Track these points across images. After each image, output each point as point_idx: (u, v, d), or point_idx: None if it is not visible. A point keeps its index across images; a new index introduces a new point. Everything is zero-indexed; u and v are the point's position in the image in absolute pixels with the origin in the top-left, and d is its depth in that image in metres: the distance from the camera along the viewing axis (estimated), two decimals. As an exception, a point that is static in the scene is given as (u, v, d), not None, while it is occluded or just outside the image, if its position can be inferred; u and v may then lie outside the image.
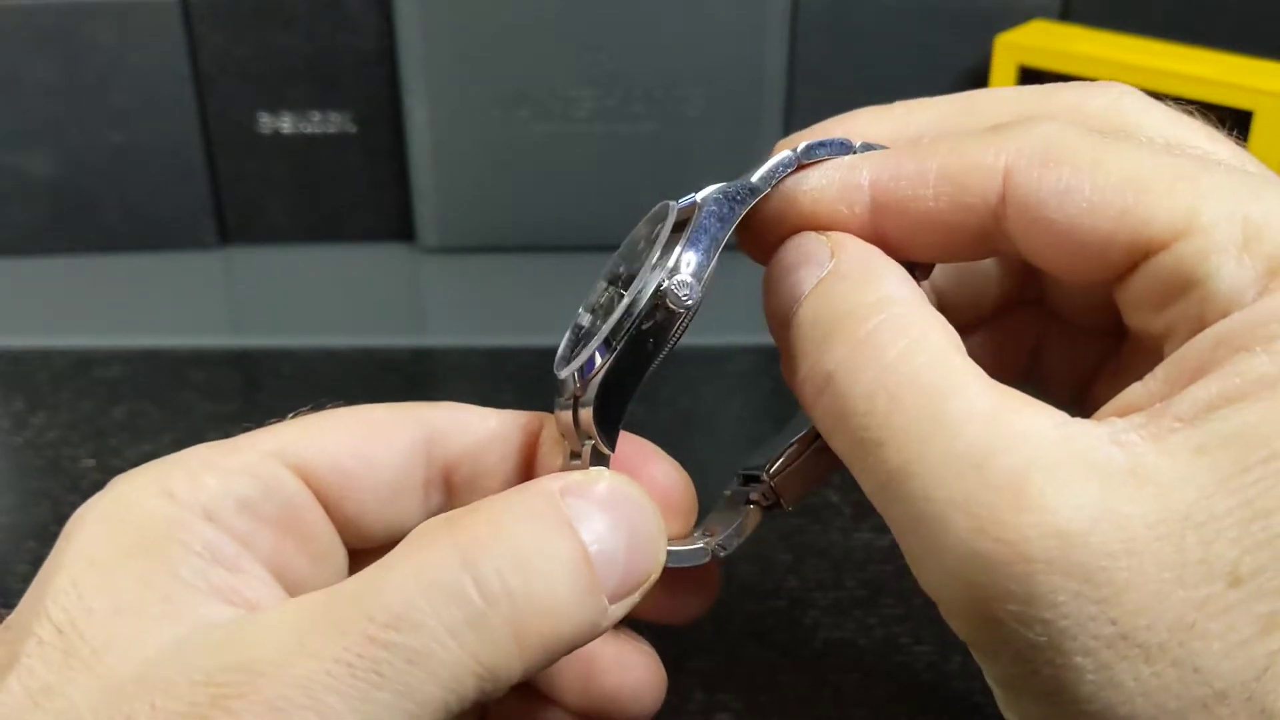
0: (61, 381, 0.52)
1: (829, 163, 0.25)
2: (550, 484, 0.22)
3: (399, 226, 0.62)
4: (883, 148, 0.25)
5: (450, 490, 0.27)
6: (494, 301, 0.58)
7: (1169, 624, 0.18)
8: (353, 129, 0.60)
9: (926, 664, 0.37)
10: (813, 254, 0.24)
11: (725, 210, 0.24)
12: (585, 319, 0.26)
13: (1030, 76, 0.56)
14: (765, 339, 0.25)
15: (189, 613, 0.22)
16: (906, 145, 0.25)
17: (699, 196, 0.25)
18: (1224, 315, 0.20)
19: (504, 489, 0.24)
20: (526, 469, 0.27)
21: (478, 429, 0.27)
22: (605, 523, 0.22)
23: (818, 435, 0.25)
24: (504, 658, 0.20)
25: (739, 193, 0.25)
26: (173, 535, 0.23)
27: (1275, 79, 0.52)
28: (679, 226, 0.25)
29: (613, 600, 0.22)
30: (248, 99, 0.59)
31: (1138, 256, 0.21)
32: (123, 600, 0.22)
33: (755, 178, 0.25)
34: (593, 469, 0.24)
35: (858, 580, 0.41)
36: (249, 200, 0.61)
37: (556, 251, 0.60)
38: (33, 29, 0.56)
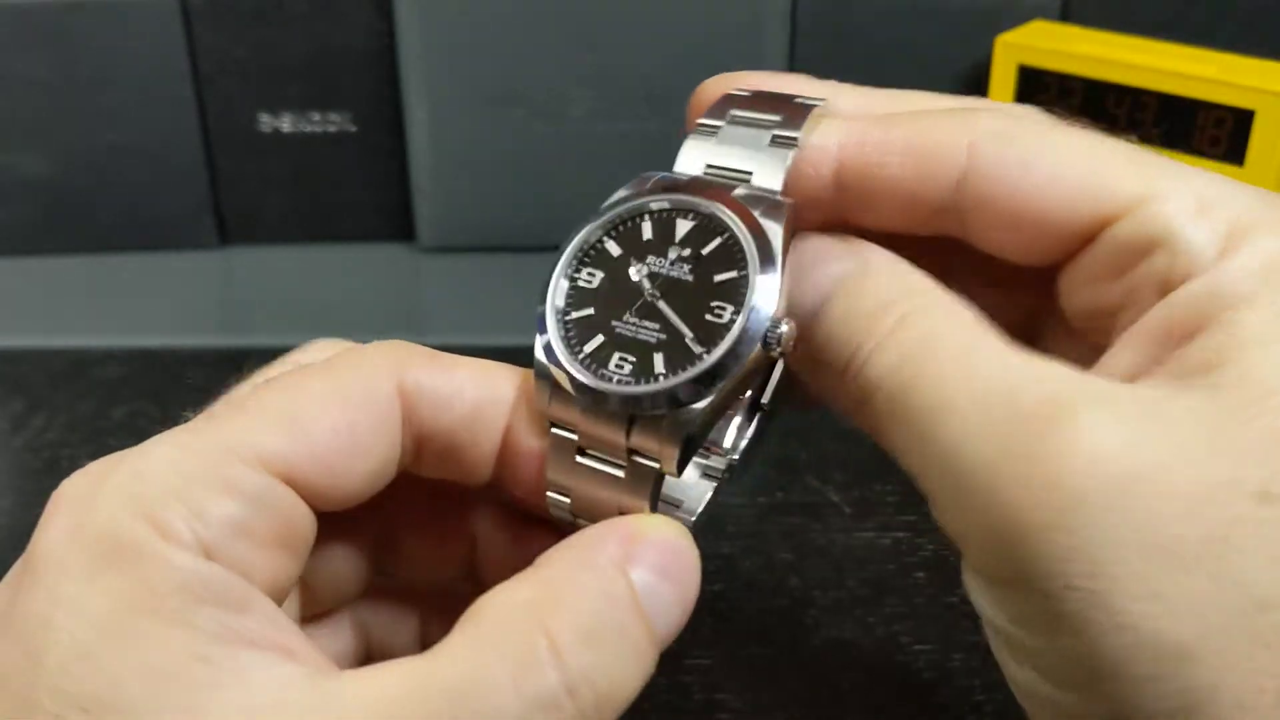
0: (60, 382, 0.52)
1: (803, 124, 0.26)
2: (614, 549, 0.22)
3: (398, 226, 0.62)
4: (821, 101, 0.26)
5: (420, 444, 0.26)
6: (493, 301, 0.58)
7: (1202, 538, 0.19)
8: (352, 129, 0.60)
9: (927, 663, 0.37)
10: (833, 252, 0.25)
11: (788, 234, 0.24)
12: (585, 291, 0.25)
13: (1030, 76, 0.56)
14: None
15: (230, 673, 0.20)
16: (874, 116, 0.26)
17: (737, 199, 0.25)
18: (1188, 274, 0.22)
19: (479, 447, 0.25)
20: (503, 434, 0.26)
21: (456, 407, 0.25)
22: (669, 593, 0.23)
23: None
24: None
25: (777, 205, 0.25)
26: (180, 584, 0.21)
27: (1275, 79, 0.52)
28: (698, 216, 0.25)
29: (662, 648, 0.23)
30: (247, 99, 0.59)
31: (1097, 226, 0.23)
32: (154, 667, 0.20)
33: (777, 184, 0.25)
34: (653, 518, 0.24)
35: (859, 579, 0.41)
36: (249, 200, 0.61)
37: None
38: (32, 28, 0.56)
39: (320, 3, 0.57)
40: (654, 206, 0.25)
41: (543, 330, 0.25)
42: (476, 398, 0.25)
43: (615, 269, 0.25)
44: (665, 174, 0.26)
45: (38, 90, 0.57)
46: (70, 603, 0.20)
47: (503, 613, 0.21)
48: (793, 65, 0.59)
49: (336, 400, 0.24)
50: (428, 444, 0.25)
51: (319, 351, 0.28)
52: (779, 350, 0.23)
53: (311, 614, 0.28)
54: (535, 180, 0.60)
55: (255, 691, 0.20)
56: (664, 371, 0.24)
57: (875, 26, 0.59)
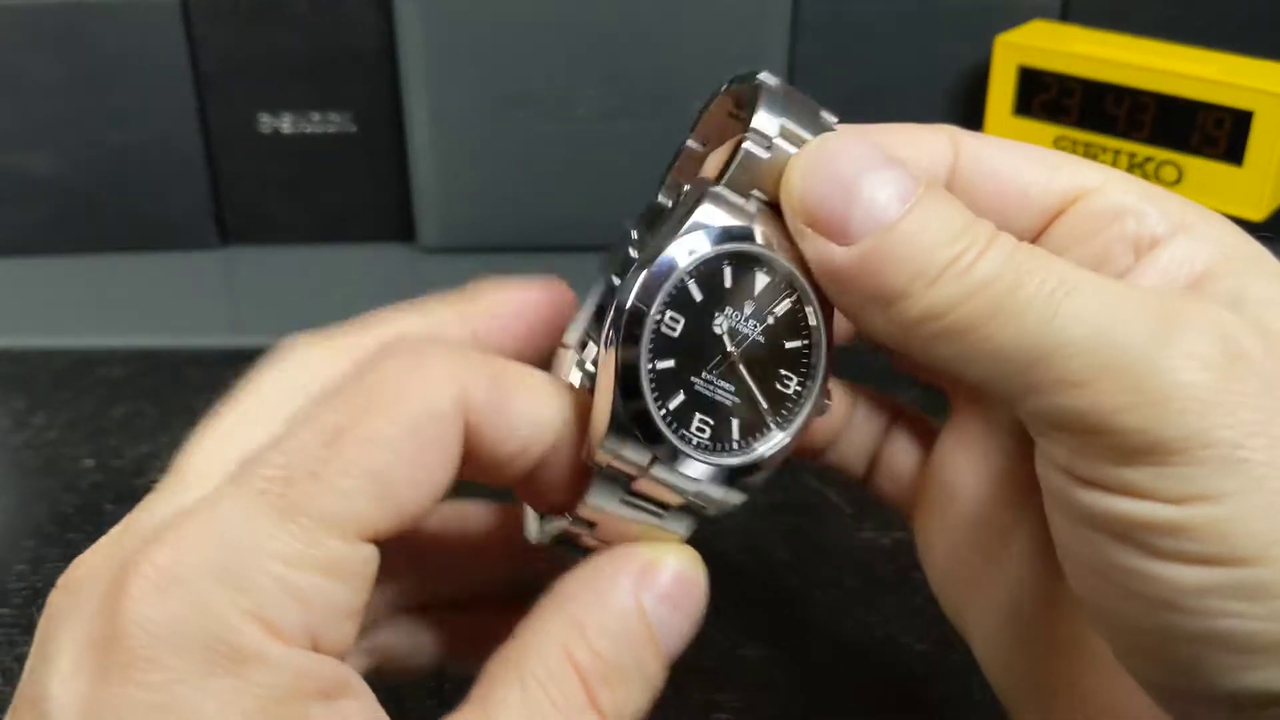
0: (61, 381, 0.52)
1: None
2: (631, 585, 0.24)
3: (399, 226, 0.62)
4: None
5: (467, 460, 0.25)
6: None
7: None
8: (353, 129, 0.60)
9: (927, 663, 0.37)
10: (890, 172, 0.23)
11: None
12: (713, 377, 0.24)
13: (1030, 76, 0.56)
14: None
15: None
16: (852, 128, 0.26)
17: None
18: (1154, 237, 0.24)
19: (516, 468, 0.25)
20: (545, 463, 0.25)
21: (510, 442, 0.24)
22: (681, 620, 0.24)
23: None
24: None
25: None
26: (291, 687, 0.21)
27: (1275, 79, 0.52)
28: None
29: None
30: (248, 99, 0.59)
31: (1070, 199, 0.25)
32: None
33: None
34: (665, 548, 0.25)
35: (858, 580, 0.41)
36: (249, 200, 0.61)
37: (556, 251, 0.60)
38: (33, 29, 0.56)
39: (320, 3, 0.57)
40: (738, 254, 0.24)
41: (629, 373, 0.23)
42: (530, 433, 0.24)
43: (697, 317, 0.24)
44: (727, 196, 0.24)
45: (39, 90, 0.57)
46: (189, 712, 0.20)
47: (541, 660, 0.23)
48: (793, 65, 0.59)
49: (413, 444, 0.22)
50: (473, 462, 0.25)
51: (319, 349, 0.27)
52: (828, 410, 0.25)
53: None
54: (536, 180, 0.60)
55: None
56: (740, 440, 0.24)
57: (875, 26, 0.59)
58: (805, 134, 0.24)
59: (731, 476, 0.24)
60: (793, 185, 0.23)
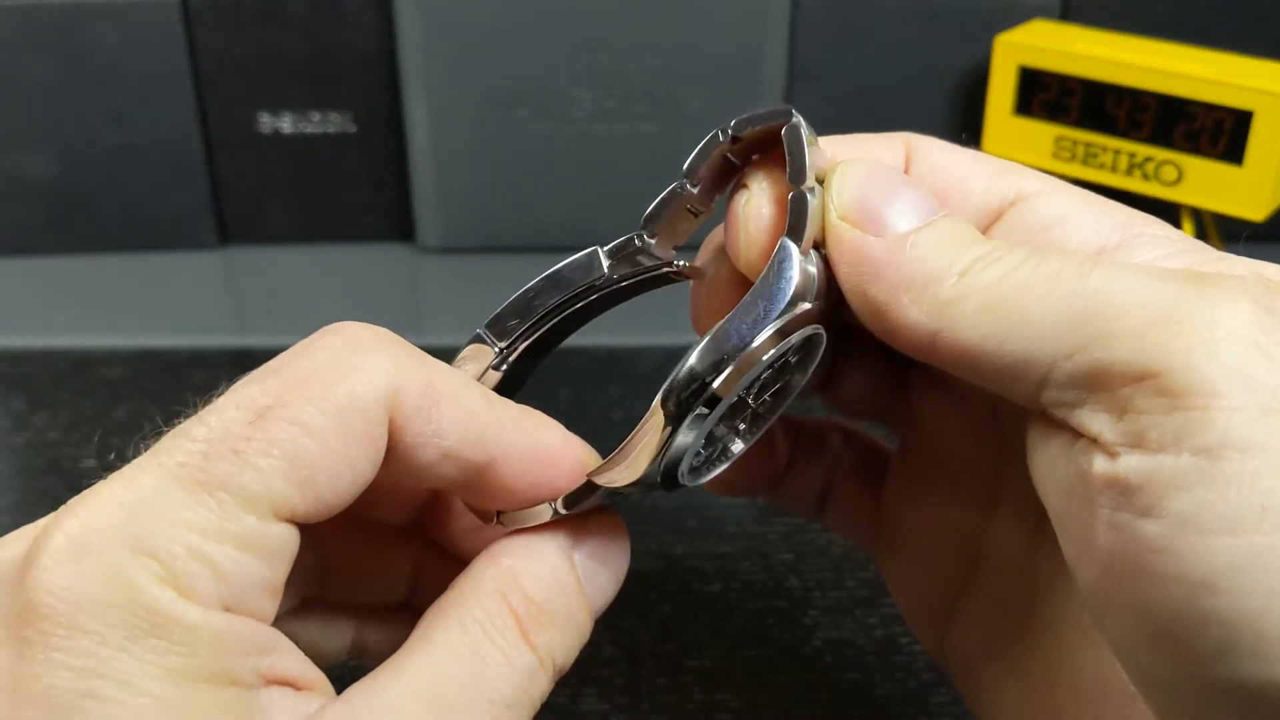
0: (62, 381, 0.52)
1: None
2: (566, 542, 0.25)
3: (399, 226, 0.62)
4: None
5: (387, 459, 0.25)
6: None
7: None
8: (353, 129, 0.60)
9: (927, 663, 0.37)
10: (913, 193, 0.25)
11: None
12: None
13: (1030, 76, 0.56)
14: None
15: (282, 714, 0.21)
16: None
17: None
18: (1100, 246, 0.25)
19: (436, 477, 0.25)
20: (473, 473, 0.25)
21: (435, 444, 0.24)
22: (608, 576, 0.26)
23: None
24: (545, 696, 0.24)
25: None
26: (217, 644, 0.21)
27: (1275, 79, 0.52)
28: None
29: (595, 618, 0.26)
30: (248, 99, 0.59)
31: (1006, 203, 0.26)
32: None
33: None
34: (599, 516, 0.26)
35: (858, 580, 0.41)
36: (249, 200, 0.61)
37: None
38: (33, 29, 0.56)
39: (320, 3, 0.57)
40: (802, 340, 0.24)
41: (677, 458, 0.24)
42: (452, 445, 0.24)
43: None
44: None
45: (38, 91, 0.57)
46: (125, 679, 0.20)
47: (479, 601, 0.24)
48: (793, 65, 0.59)
49: (339, 440, 0.23)
50: (393, 462, 0.24)
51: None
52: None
53: None
54: (536, 181, 0.60)
55: None
56: (705, 466, 0.25)
57: (875, 26, 0.59)
58: (816, 172, 0.25)
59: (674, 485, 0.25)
60: (845, 187, 0.25)
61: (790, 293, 0.23)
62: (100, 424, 0.49)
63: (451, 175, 0.60)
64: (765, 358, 0.23)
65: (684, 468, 0.24)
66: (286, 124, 0.60)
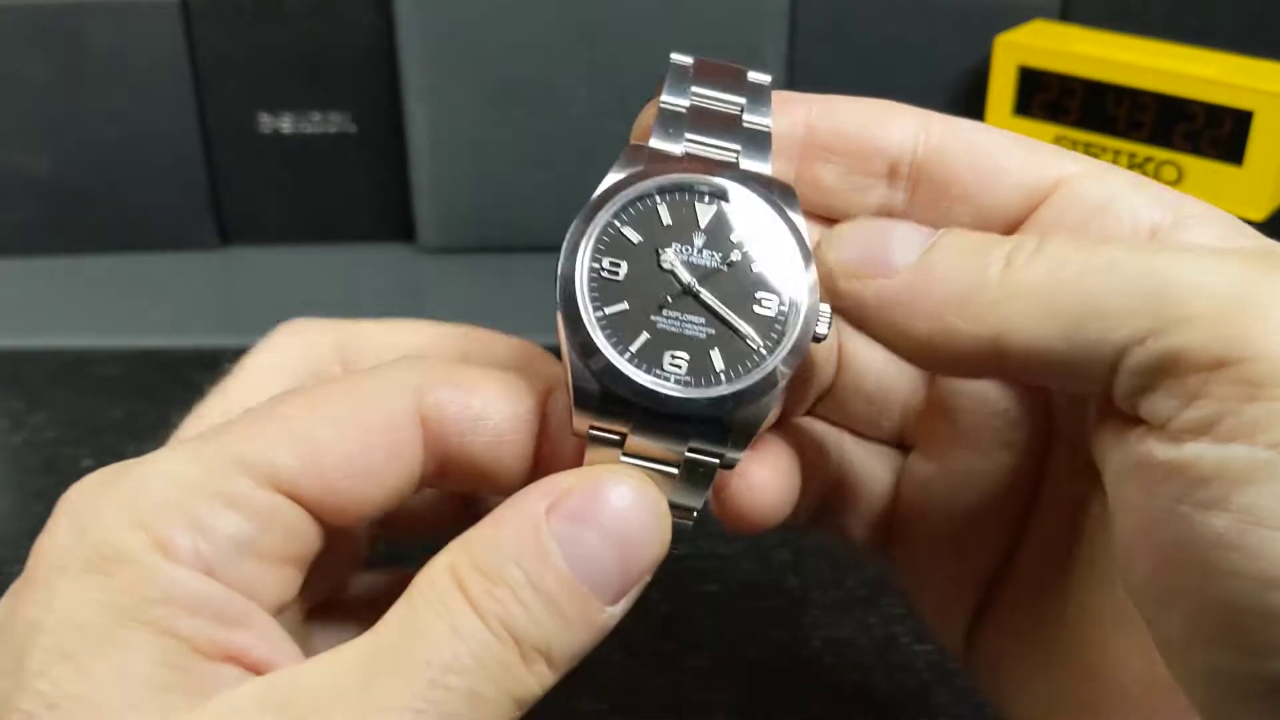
0: (60, 381, 0.52)
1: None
2: (537, 505, 0.23)
3: (399, 226, 0.62)
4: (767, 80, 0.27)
5: (445, 465, 0.25)
6: (494, 301, 0.58)
7: None
8: (352, 129, 0.60)
9: (927, 663, 0.37)
10: (896, 230, 0.24)
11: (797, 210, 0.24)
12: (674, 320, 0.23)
13: (1030, 76, 0.56)
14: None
15: (204, 684, 0.21)
16: (816, 96, 0.27)
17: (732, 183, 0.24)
18: (1154, 226, 0.24)
19: (508, 467, 0.25)
20: (531, 450, 0.25)
21: (482, 431, 0.25)
22: (594, 538, 0.22)
23: None
24: (529, 687, 0.22)
25: (788, 189, 0.25)
26: (171, 596, 0.21)
27: (1275, 79, 0.52)
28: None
29: (613, 602, 0.23)
30: (247, 99, 0.59)
31: (1047, 183, 0.25)
32: (128, 672, 0.20)
33: (766, 168, 0.25)
34: (589, 470, 0.23)
35: (858, 579, 0.40)
36: (249, 200, 0.61)
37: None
38: (32, 29, 0.56)
39: (320, 3, 0.57)
40: (666, 186, 0.24)
41: (575, 329, 0.23)
42: (500, 422, 0.25)
43: (640, 257, 0.24)
44: (655, 147, 0.25)
45: (38, 90, 0.57)
46: (61, 607, 0.21)
47: (427, 576, 0.22)
48: (793, 65, 0.59)
49: (353, 424, 0.23)
50: (453, 465, 0.25)
51: (292, 336, 0.28)
52: (825, 338, 0.24)
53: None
54: (535, 180, 0.60)
55: (217, 706, 0.21)
56: (725, 370, 0.23)
57: (875, 26, 0.59)
58: (727, 94, 0.25)
59: (727, 408, 0.23)
60: (827, 255, 0.24)
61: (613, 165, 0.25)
62: (98, 424, 0.49)
63: (451, 175, 0.60)
64: (606, 211, 0.24)
65: (622, 357, 0.23)
66: (286, 124, 0.60)
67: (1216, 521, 0.20)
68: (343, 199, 0.62)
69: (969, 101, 0.60)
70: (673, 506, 0.24)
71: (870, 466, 0.30)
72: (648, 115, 0.26)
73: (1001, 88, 0.57)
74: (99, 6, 0.56)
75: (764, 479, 0.25)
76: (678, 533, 0.24)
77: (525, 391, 0.25)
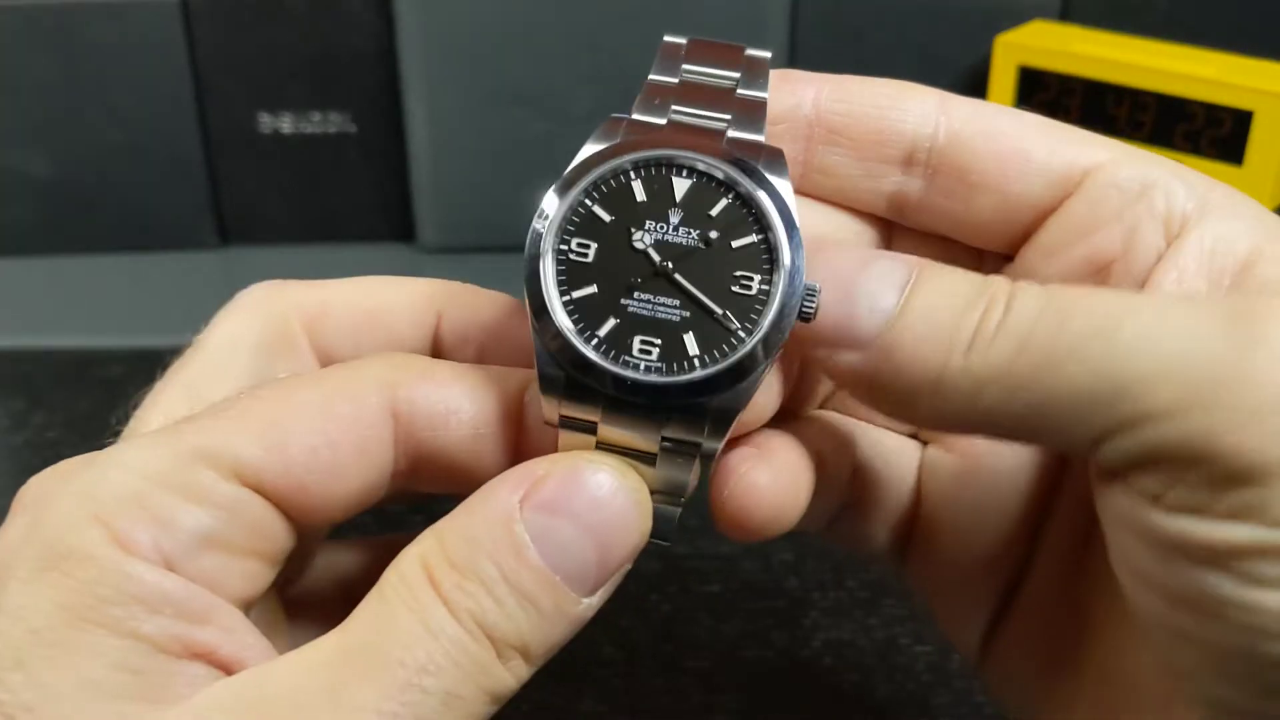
0: (61, 381, 0.52)
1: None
2: (509, 497, 0.22)
3: (399, 226, 0.62)
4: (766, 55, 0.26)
5: (418, 463, 0.24)
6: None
7: None
8: (353, 129, 0.60)
9: (927, 664, 0.37)
10: (871, 267, 0.22)
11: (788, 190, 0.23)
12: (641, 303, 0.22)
13: (1030, 76, 0.56)
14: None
15: (168, 686, 0.20)
16: (831, 77, 0.25)
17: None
18: (1184, 215, 0.23)
19: (484, 466, 0.24)
20: (509, 447, 0.24)
21: (454, 427, 0.24)
22: (569, 529, 0.22)
23: None
24: (504, 683, 0.21)
25: (775, 153, 0.23)
26: (129, 593, 0.20)
27: (1275, 79, 0.52)
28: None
29: (591, 593, 0.22)
30: (247, 99, 0.59)
31: (1075, 170, 0.24)
32: (85, 678, 0.19)
33: (759, 136, 0.24)
34: (565, 456, 0.22)
35: (858, 581, 0.40)
36: (249, 200, 0.61)
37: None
38: (33, 29, 0.56)
39: (320, 3, 0.57)
40: (640, 161, 0.23)
41: (540, 314, 0.22)
42: (476, 415, 0.24)
43: (612, 237, 0.23)
44: (638, 117, 0.24)
45: (38, 90, 0.57)
46: (12, 610, 0.20)
47: (398, 570, 0.21)
48: (793, 64, 0.59)
49: (320, 417, 0.23)
50: (427, 463, 0.24)
51: (248, 299, 0.28)
52: (813, 318, 0.22)
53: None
54: (536, 180, 0.60)
55: (181, 715, 0.20)
56: (700, 354, 0.22)
57: (875, 26, 0.59)
58: (721, 70, 0.24)
59: (702, 394, 0.22)
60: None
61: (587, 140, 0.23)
62: (99, 424, 0.49)
63: (451, 175, 0.60)
64: (575, 189, 0.23)
65: (589, 343, 0.22)
66: (286, 124, 0.60)
67: (1225, 585, 0.20)
68: (343, 199, 0.62)
69: (969, 101, 0.60)
70: (654, 494, 0.23)
71: (892, 464, 0.28)
72: None
73: (1001, 88, 0.57)
74: (99, 6, 0.56)
75: (764, 483, 0.24)
76: (662, 520, 0.23)
77: (501, 384, 0.24)
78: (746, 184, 0.22)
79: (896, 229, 0.27)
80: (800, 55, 0.59)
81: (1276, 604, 0.20)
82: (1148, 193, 0.23)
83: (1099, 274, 0.24)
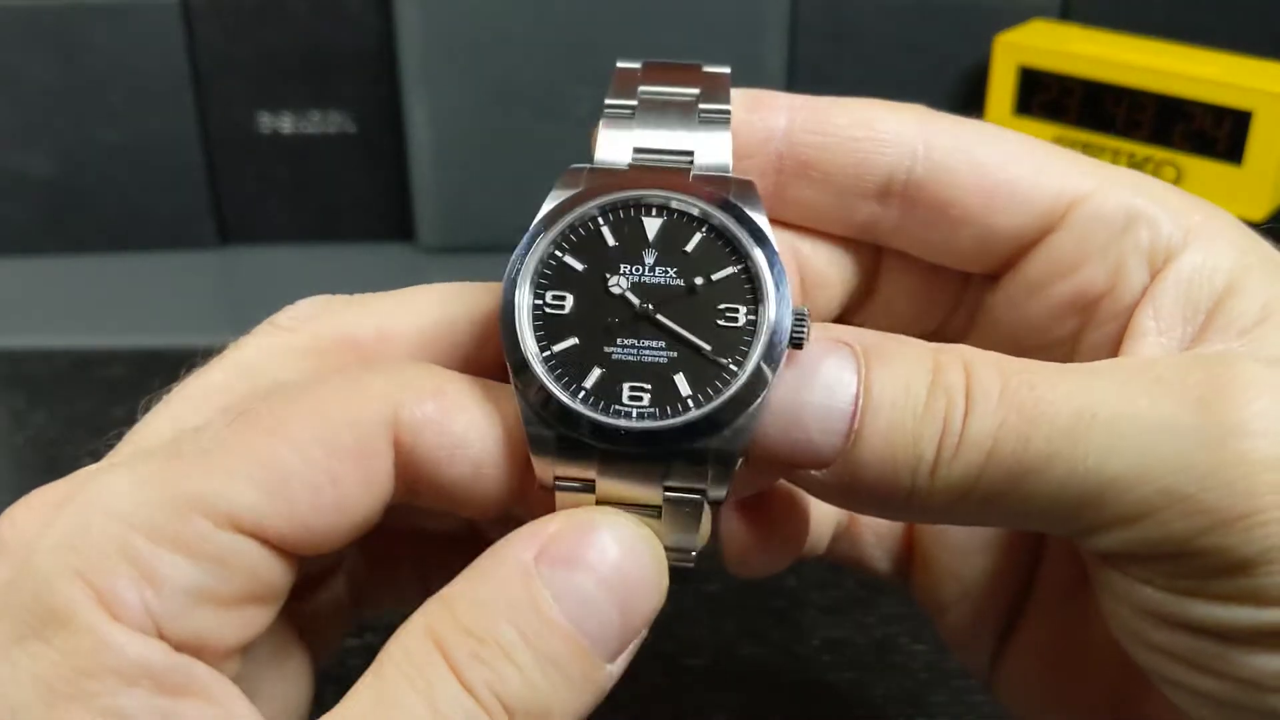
0: (61, 381, 0.52)
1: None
2: (523, 554, 0.20)
3: (399, 226, 0.62)
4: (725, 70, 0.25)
5: (416, 486, 0.23)
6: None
7: None
8: (352, 129, 0.60)
9: (924, 664, 0.37)
10: (821, 366, 0.21)
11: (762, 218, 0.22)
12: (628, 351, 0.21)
13: (1030, 76, 0.56)
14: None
15: None
16: (810, 99, 0.25)
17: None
18: (1168, 248, 0.23)
19: (486, 495, 0.22)
20: (514, 476, 0.23)
21: (459, 461, 0.22)
22: (590, 583, 0.20)
23: None
24: None
25: (745, 184, 0.23)
26: (110, 666, 0.19)
27: (1275, 79, 0.52)
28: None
29: (613, 659, 0.21)
30: (247, 99, 0.59)
31: (1062, 201, 0.23)
32: None
33: (726, 160, 0.23)
34: (577, 512, 0.21)
35: (857, 580, 0.40)
36: (248, 200, 0.61)
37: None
38: (33, 29, 0.56)
39: (320, 3, 0.57)
40: (608, 205, 0.22)
41: (521, 371, 0.21)
42: (480, 453, 0.22)
43: (587, 286, 0.22)
44: (598, 165, 0.24)
45: (38, 90, 0.57)
46: None
47: (400, 642, 0.20)
48: (793, 65, 0.59)
49: (323, 452, 0.21)
50: (427, 488, 0.22)
51: (300, 319, 0.26)
52: (807, 343, 0.21)
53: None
54: (536, 180, 0.60)
55: None
56: (694, 394, 0.21)
57: (875, 26, 0.59)
58: (679, 88, 0.23)
59: (699, 435, 0.21)
60: (762, 444, 0.21)
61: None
62: (99, 423, 0.49)
63: (451, 175, 0.60)
64: (544, 241, 0.22)
65: (576, 396, 0.21)
66: (286, 124, 0.60)
67: (1224, 653, 0.20)
68: (343, 199, 0.62)
69: (969, 101, 0.60)
70: (665, 550, 0.22)
71: None
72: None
73: (1001, 88, 0.57)
74: (99, 7, 0.56)
75: (732, 530, 0.24)
76: (674, 577, 0.22)
77: (512, 409, 0.22)
78: (720, 216, 0.22)
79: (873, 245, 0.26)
80: (801, 55, 0.59)
81: (1276, 667, 0.20)
82: (1132, 226, 0.23)
83: (1085, 310, 0.24)
